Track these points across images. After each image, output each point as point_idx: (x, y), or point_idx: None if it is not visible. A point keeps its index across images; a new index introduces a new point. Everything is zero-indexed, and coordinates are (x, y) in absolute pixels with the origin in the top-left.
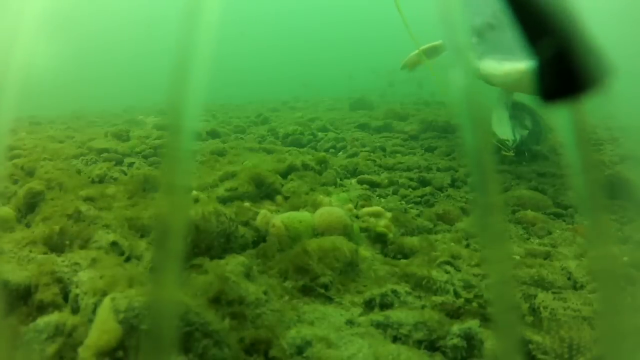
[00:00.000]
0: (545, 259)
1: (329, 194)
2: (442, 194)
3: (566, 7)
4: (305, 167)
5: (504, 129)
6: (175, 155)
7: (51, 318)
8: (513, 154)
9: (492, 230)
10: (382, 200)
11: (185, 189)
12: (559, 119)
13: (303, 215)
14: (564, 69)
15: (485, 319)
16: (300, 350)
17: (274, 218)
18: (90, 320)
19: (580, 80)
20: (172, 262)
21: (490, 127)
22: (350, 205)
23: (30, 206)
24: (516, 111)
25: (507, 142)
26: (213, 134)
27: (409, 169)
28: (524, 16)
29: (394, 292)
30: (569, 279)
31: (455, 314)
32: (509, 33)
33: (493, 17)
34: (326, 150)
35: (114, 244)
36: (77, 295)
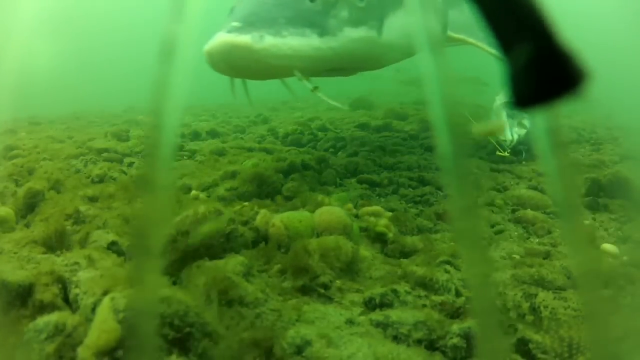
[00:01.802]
0: (545, 258)
1: (328, 193)
2: (441, 194)
3: (541, 10)
4: (305, 166)
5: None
6: (157, 154)
7: (51, 318)
8: (509, 154)
9: (472, 234)
10: (382, 199)
11: (167, 188)
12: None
13: (303, 214)
14: (539, 74)
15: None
16: (299, 350)
17: (274, 218)
18: (90, 320)
19: (556, 84)
20: (151, 262)
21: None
22: (350, 205)
23: (29, 206)
24: (514, 110)
25: (504, 142)
26: (213, 134)
27: (408, 169)
28: (497, 21)
29: (394, 291)
30: (568, 278)
31: (455, 314)
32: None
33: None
34: (326, 150)
35: (113, 243)
36: (76, 294)
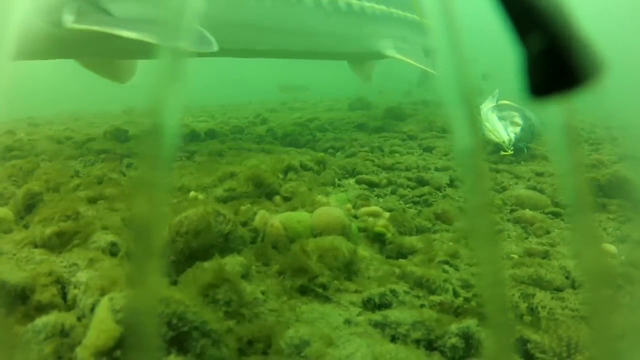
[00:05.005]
0: (543, 258)
1: (327, 194)
2: (440, 194)
3: (557, 0)
4: (304, 167)
5: (497, 133)
6: (153, 154)
7: (49, 318)
8: (512, 153)
9: (484, 231)
10: (381, 200)
11: (164, 188)
12: (548, 115)
13: (301, 215)
14: (554, 63)
15: (483, 318)
16: (298, 350)
17: (273, 218)
18: (89, 320)
19: (571, 75)
20: (151, 263)
21: (484, 134)
22: (349, 205)
23: (29, 207)
24: (504, 112)
25: (504, 144)
26: (211, 135)
27: (407, 169)
28: (513, 9)
29: (393, 291)
30: (567, 278)
31: (453, 313)
32: None
33: None
34: (325, 151)
35: (112, 244)
36: (75, 295)
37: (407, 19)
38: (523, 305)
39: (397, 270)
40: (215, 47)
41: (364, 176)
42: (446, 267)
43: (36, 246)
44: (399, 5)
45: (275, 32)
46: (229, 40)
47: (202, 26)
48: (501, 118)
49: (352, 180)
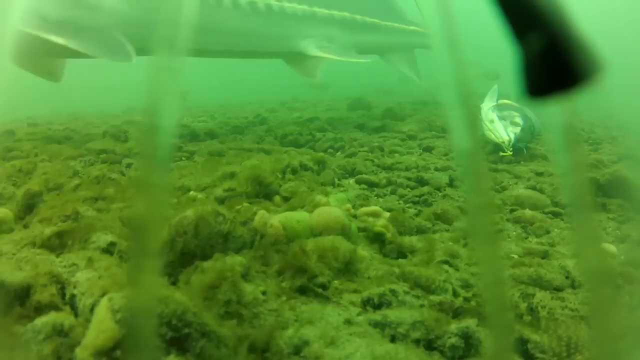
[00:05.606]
0: (543, 257)
1: (327, 194)
2: (440, 194)
3: (555, 0)
4: (304, 167)
5: (497, 133)
6: (152, 154)
7: (49, 318)
8: (512, 153)
9: (485, 230)
10: (380, 200)
11: (163, 188)
12: (548, 115)
13: (301, 215)
14: (553, 63)
15: (483, 318)
16: (297, 350)
17: (272, 218)
18: (88, 321)
19: (569, 75)
20: (149, 263)
21: (483, 133)
22: (349, 205)
23: (28, 207)
24: (504, 112)
25: (503, 144)
26: (211, 135)
27: (407, 169)
28: (511, 9)
29: (392, 291)
30: (567, 277)
31: (453, 313)
32: None
33: None
34: (324, 151)
35: (112, 244)
36: (75, 295)
37: (333, 18)
38: (523, 305)
39: (397, 270)
40: (133, 59)
41: (364, 176)
42: (446, 267)
43: (36, 246)
44: (325, 5)
45: (194, 32)
46: (147, 40)
47: (118, 25)
48: (501, 118)
49: (351, 180)
